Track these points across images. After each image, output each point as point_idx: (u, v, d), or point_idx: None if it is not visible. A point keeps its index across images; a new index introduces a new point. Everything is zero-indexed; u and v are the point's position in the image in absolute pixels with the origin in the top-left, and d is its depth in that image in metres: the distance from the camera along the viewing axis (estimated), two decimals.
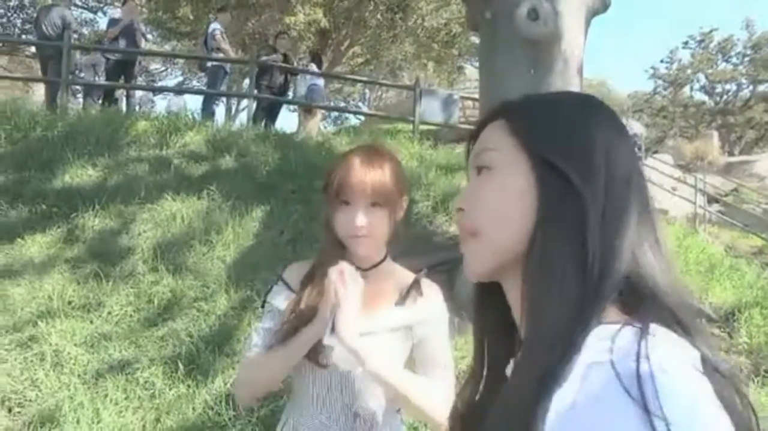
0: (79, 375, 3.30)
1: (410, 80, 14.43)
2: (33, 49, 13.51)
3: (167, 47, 20.57)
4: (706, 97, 30.06)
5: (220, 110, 14.81)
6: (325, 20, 14.09)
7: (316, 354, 1.30)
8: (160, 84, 24.40)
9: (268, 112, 9.67)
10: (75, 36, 9.39)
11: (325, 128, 18.60)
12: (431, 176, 6.18)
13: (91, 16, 21.13)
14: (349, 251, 1.33)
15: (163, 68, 25.98)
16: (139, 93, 12.80)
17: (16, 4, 19.48)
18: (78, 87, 11.38)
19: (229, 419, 3.04)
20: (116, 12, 13.32)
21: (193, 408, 3.11)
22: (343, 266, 1.26)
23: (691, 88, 30.41)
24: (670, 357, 0.52)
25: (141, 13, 13.15)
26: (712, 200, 12.64)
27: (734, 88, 29.00)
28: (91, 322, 3.78)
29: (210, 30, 9.31)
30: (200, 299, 4.04)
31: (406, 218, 1.40)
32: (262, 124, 8.79)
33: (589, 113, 0.69)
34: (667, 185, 11.79)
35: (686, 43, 29.66)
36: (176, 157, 6.13)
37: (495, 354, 0.75)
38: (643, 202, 0.65)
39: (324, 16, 14.00)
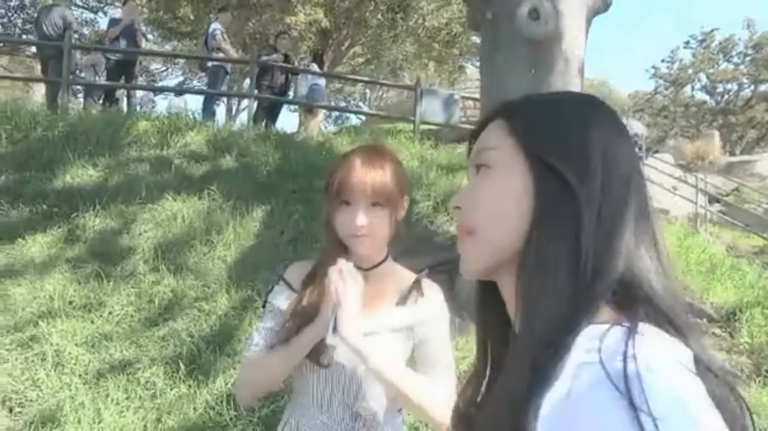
0: (80, 375, 3.31)
1: (411, 80, 14.42)
2: (33, 49, 13.53)
3: (168, 47, 20.58)
4: (707, 97, 30.07)
5: (220, 110, 14.84)
6: (326, 20, 14.10)
7: (317, 354, 1.29)
8: (160, 84, 24.43)
9: (268, 112, 9.67)
10: (75, 36, 9.39)
11: (325, 127, 18.60)
12: (432, 176, 6.18)
13: (91, 16, 21.15)
14: (350, 251, 1.33)
15: (164, 68, 25.99)
16: (139, 93, 12.81)
17: (17, 4, 19.48)
18: (79, 87, 11.37)
19: (231, 419, 3.04)
20: (117, 12, 13.34)
21: (194, 408, 3.11)
22: (343, 264, 1.26)
23: (693, 88, 30.42)
24: (657, 356, 0.52)
25: (141, 13, 13.16)
26: (713, 199, 12.63)
27: (735, 87, 29.01)
28: (92, 322, 3.78)
29: (210, 30, 9.31)
30: (201, 299, 4.05)
31: (407, 218, 1.40)
32: (263, 124, 8.78)
33: (588, 114, 0.69)
34: (668, 184, 11.78)
35: (687, 42, 29.68)
36: (177, 157, 6.13)
37: (497, 353, 0.75)
38: (641, 203, 0.65)
39: (325, 16, 14.01)
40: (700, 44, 29.12)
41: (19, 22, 19.59)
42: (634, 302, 0.59)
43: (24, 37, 18.21)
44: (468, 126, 10.73)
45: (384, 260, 1.39)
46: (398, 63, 18.77)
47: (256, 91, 9.42)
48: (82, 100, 10.53)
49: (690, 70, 29.54)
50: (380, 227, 1.31)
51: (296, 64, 11.91)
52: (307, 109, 11.18)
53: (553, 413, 0.53)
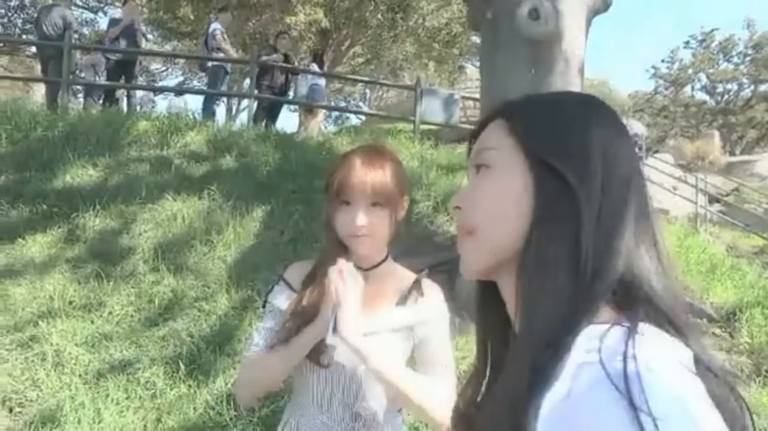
0: (80, 375, 3.31)
1: (411, 80, 14.43)
2: (34, 49, 13.52)
3: (168, 47, 20.58)
4: (707, 97, 30.07)
5: (220, 110, 14.84)
6: (326, 20, 14.10)
7: (317, 354, 1.30)
8: (160, 84, 24.43)
9: (268, 112, 9.67)
10: (75, 36, 9.39)
11: (325, 127, 18.61)
12: (432, 176, 6.18)
13: (91, 16, 21.15)
14: (350, 251, 1.33)
15: (164, 68, 26.00)
16: (139, 93, 12.81)
17: (17, 4, 19.48)
18: (79, 87, 11.37)
19: (231, 419, 3.04)
20: (117, 12, 13.35)
21: (194, 408, 3.11)
22: (343, 264, 1.26)
23: (692, 88, 30.43)
24: (657, 356, 0.52)
25: (141, 13, 13.16)
26: (713, 199, 12.63)
27: (735, 87, 29.01)
28: (92, 322, 3.78)
29: (210, 30, 9.31)
30: (201, 299, 4.05)
31: (407, 218, 1.40)
32: (263, 124, 8.78)
33: (588, 114, 0.69)
34: (668, 184, 11.78)
35: (687, 42, 29.69)
36: (177, 157, 6.13)
37: (497, 353, 0.75)
38: (641, 203, 0.65)
39: (325, 16, 14.01)
40: (700, 44, 29.13)
41: (19, 22, 19.59)
42: (634, 302, 0.60)
43: (24, 37, 18.21)
44: (468, 126, 10.73)
45: (384, 261, 1.39)
46: (398, 63, 18.77)
47: (256, 92, 9.42)
48: (82, 100, 10.52)
49: (690, 70, 29.55)
50: (380, 227, 1.31)
51: (296, 64, 11.91)
52: (307, 109, 11.18)
53: (553, 413, 0.53)
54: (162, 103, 23.21)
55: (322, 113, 13.42)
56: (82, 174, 5.51)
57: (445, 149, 7.99)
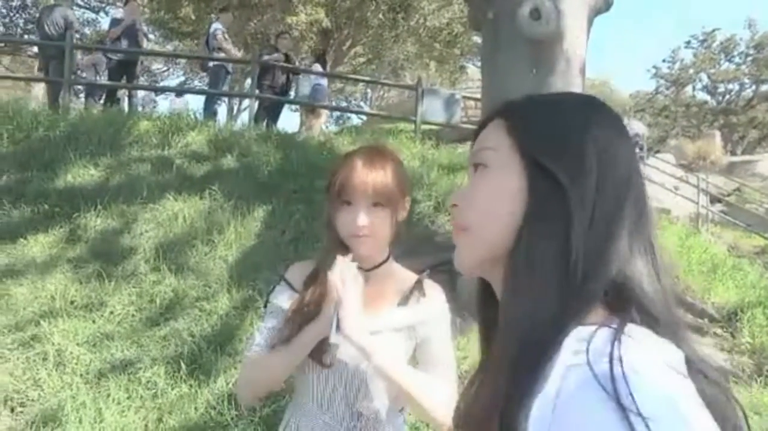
0: (81, 375, 3.31)
1: (412, 80, 14.42)
2: (35, 49, 13.52)
3: (169, 47, 20.61)
4: (708, 97, 30.05)
5: (222, 110, 14.84)
6: (327, 20, 14.10)
7: (319, 354, 1.30)
8: (162, 84, 24.45)
9: (269, 112, 9.67)
10: (77, 36, 9.40)
11: (327, 127, 18.61)
12: (433, 176, 6.18)
13: (93, 16, 21.20)
14: (351, 251, 1.33)
15: (165, 68, 26.03)
16: (141, 93, 12.82)
17: (19, 4, 19.51)
18: (80, 87, 11.39)
19: (232, 419, 3.04)
20: (118, 12, 13.35)
21: (196, 408, 3.11)
22: (344, 262, 1.26)
23: (694, 88, 30.40)
24: (643, 358, 0.52)
25: (143, 13, 13.16)
26: (714, 199, 12.62)
27: (737, 87, 28.98)
28: (94, 322, 3.78)
29: (211, 30, 9.31)
30: (202, 299, 4.05)
31: (408, 218, 1.40)
32: (264, 124, 8.79)
33: (587, 114, 0.69)
34: (669, 184, 11.77)
35: (689, 42, 29.65)
36: (178, 157, 6.14)
37: None
38: (639, 206, 0.65)
39: (326, 16, 14.01)
40: (701, 44, 29.10)
41: (21, 22, 19.62)
42: (625, 304, 0.60)
43: (26, 37, 18.23)
44: (469, 126, 10.74)
45: (385, 261, 1.40)
46: (399, 63, 18.77)
47: (257, 91, 9.43)
48: (83, 99, 10.53)
49: (691, 70, 29.52)
50: (381, 228, 1.31)
51: (297, 64, 11.92)
52: (310, 109, 11.18)
53: (543, 413, 0.53)
54: (163, 104, 23.24)
55: (325, 114, 13.43)
56: (83, 174, 5.51)
57: (446, 149, 7.99)
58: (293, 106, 16.73)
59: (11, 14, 19.69)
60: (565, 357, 0.55)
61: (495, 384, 0.61)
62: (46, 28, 8.47)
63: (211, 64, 9.49)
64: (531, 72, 3.87)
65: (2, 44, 18.61)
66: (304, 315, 1.32)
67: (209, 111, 9.34)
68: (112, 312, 3.88)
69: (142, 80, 15.74)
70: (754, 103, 27.77)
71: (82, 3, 19.92)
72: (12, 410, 3.10)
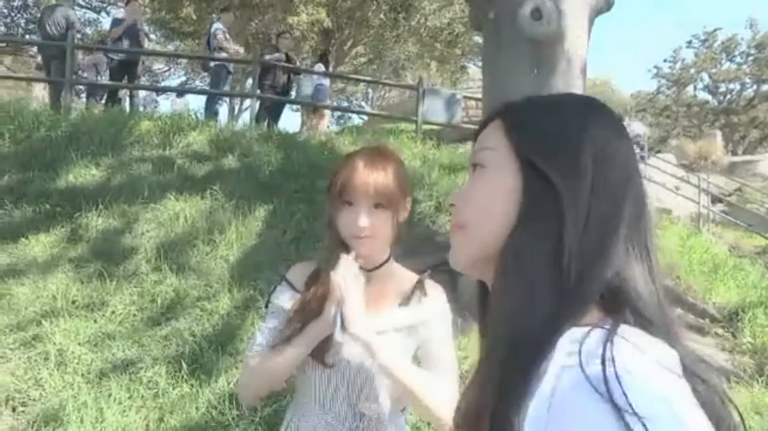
0: (82, 375, 3.31)
1: (413, 80, 14.42)
2: (35, 49, 13.52)
3: (170, 47, 20.61)
4: (709, 97, 30.02)
5: (223, 110, 14.83)
6: (328, 20, 14.11)
7: (321, 353, 1.30)
8: (163, 84, 24.45)
9: (271, 112, 9.67)
10: (78, 36, 9.40)
11: (328, 127, 18.63)
12: (434, 176, 6.18)
13: (94, 16, 21.20)
14: (353, 251, 1.33)
15: (166, 68, 26.02)
16: (142, 93, 12.82)
17: (20, 4, 19.53)
18: (81, 87, 11.40)
19: (233, 418, 3.04)
20: (119, 12, 13.34)
21: (197, 408, 3.11)
22: (347, 261, 1.27)
23: (695, 88, 30.37)
24: (635, 358, 0.53)
25: (144, 13, 13.18)
26: (715, 199, 12.61)
27: (738, 87, 28.94)
28: (95, 321, 3.79)
29: (212, 30, 9.32)
30: (203, 299, 4.05)
31: (409, 218, 1.40)
32: (265, 124, 8.79)
33: (585, 116, 0.69)
34: (670, 184, 11.76)
35: (690, 42, 29.63)
36: (179, 157, 6.14)
37: None
38: (637, 207, 0.65)
39: (327, 16, 14.02)
40: (702, 44, 29.07)
41: (23, 22, 19.63)
42: (620, 306, 0.60)
43: (27, 37, 18.24)
44: (470, 126, 10.73)
45: (386, 261, 1.40)
46: (400, 63, 18.78)
47: (258, 91, 9.43)
48: (85, 100, 10.54)
49: (692, 70, 29.49)
50: (382, 229, 1.32)
51: (298, 63, 11.92)
52: (312, 109, 11.18)
53: (539, 413, 0.53)
54: (165, 104, 23.24)
55: (328, 114, 13.43)
56: (84, 174, 5.52)
57: (447, 149, 7.99)
58: (294, 107, 16.74)
59: (12, 14, 19.71)
60: (559, 357, 0.55)
61: (485, 383, 0.61)
62: (48, 28, 8.48)
63: (212, 64, 9.50)
64: (532, 72, 3.86)
65: (4, 44, 18.63)
66: (306, 315, 1.32)
67: (210, 111, 9.35)
68: (113, 312, 3.88)
69: (144, 80, 15.75)
70: (755, 103, 27.73)
71: (83, 3, 19.94)
72: (13, 410, 3.11)
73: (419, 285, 1.41)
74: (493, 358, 0.61)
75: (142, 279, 4.22)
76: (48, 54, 8.75)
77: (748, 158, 19.40)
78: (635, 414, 0.48)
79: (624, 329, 0.56)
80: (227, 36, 9.28)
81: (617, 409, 0.48)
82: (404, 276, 1.43)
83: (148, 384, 3.26)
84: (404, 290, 1.40)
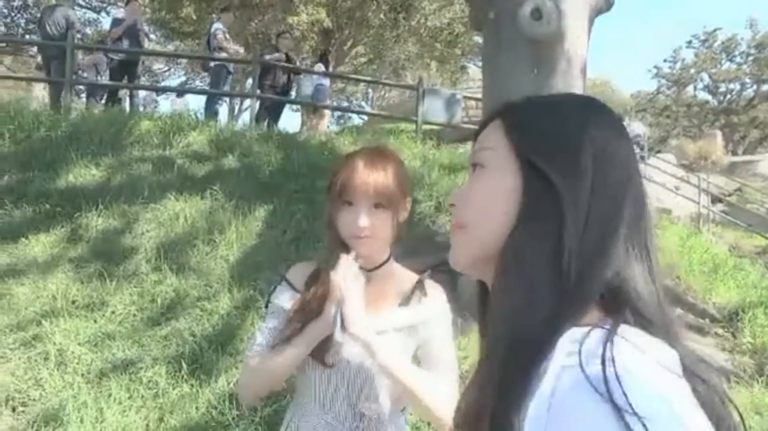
0: (82, 375, 3.31)
1: (413, 80, 14.42)
2: (35, 49, 13.51)
3: (170, 47, 20.60)
4: (709, 97, 30.01)
5: (223, 110, 14.85)
6: (328, 20, 14.10)
7: (321, 353, 1.30)
8: (163, 84, 24.45)
9: (271, 112, 9.67)
10: (78, 36, 9.40)
11: (328, 127, 18.63)
12: (434, 176, 6.18)
13: (94, 16, 21.19)
14: (353, 252, 1.33)
15: (166, 68, 26.01)
16: (142, 93, 12.82)
17: (20, 4, 19.52)
18: (81, 87, 11.40)
19: (233, 418, 3.04)
20: (119, 12, 13.35)
21: (197, 408, 3.11)
22: (347, 261, 1.27)
23: (695, 88, 30.37)
24: (635, 358, 0.53)
25: (144, 13, 13.17)
26: (715, 199, 12.61)
27: (738, 87, 28.94)
28: (95, 321, 3.79)
29: (212, 30, 9.32)
30: (203, 299, 4.05)
31: (409, 218, 1.40)
32: (265, 124, 8.79)
33: (585, 116, 0.70)
34: (670, 184, 11.77)
35: (690, 42, 29.62)
36: (179, 157, 6.14)
37: None
38: (637, 207, 0.65)
39: (327, 16, 14.01)
40: (702, 44, 29.06)
41: (23, 22, 19.63)
42: (620, 306, 0.60)
43: (27, 37, 18.24)
44: (470, 126, 10.73)
45: (386, 261, 1.40)
46: (400, 63, 18.78)
47: (258, 91, 9.43)
48: (84, 99, 10.54)
49: (692, 70, 29.48)
50: (382, 229, 1.32)
51: (298, 63, 11.92)
52: (313, 109, 11.18)
53: (539, 413, 0.53)
54: (164, 104, 23.24)
55: (328, 114, 13.44)
56: (84, 174, 5.52)
57: (447, 149, 7.99)
58: (294, 106, 16.74)
59: (13, 14, 19.70)
60: (559, 357, 0.55)
61: (485, 383, 0.61)
62: (48, 28, 8.47)
63: (212, 64, 9.50)
64: (532, 72, 3.86)
65: (4, 44, 18.63)
66: (306, 315, 1.32)
67: (210, 111, 9.35)
68: (113, 312, 3.88)
69: (144, 80, 15.76)
70: (755, 103, 27.73)
71: (83, 3, 19.93)
72: (13, 410, 3.11)
73: (419, 285, 1.41)
74: (493, 358, 0.61)
75: (142, 279, 4.22)
76: (48, 54, 8.75)
77: (748, 158, 19.40)
78: (635, 414, 0.48)
79: (624, 329, 0.56)
80: (227, 36, 9.28)
81: (617, 409, 0.48)
82: (404, 276, 1.43)
83: (148, 384, 3.26)
84: (404, 290, 1.40)
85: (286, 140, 7.29)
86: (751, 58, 28.06)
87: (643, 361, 0.53)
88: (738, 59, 28.63)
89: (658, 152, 18.09)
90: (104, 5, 20.77)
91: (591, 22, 4.14)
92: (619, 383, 0.49)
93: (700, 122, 28.60)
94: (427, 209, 5.58)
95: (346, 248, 1.33)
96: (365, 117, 19.75)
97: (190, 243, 4.68)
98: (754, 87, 28.32)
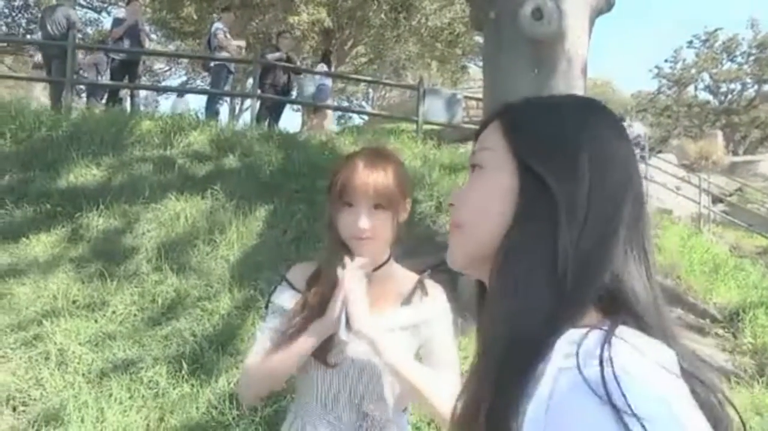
0: (83, 374, 3.32)
1: (414, 80, 14.42)
2: (34, 48, 13.51)
3: (171, 47, 20.62)
4: (710, 97, 29.98)
5: (224, 110, 14.86)
6: (329, 20, 14.12)
7: (323, 353, 1.30)
8: (164, 84, 24.45)
9: (271, 111, 9.67)
10: (79, 36, 9.40)
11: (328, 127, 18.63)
12: (435, 176, 6.18)
13: (95, 15, 21.20)
14: (353, 252, 1.34)
15: (167, 68, 26.01)
16: (143, 93, 12.82)
17: (21, 3, 19.52)
18: (82, 87, 11.40)
19: (233, 418, 3.04)
20: (120, 12, 13.36)
21: (197, 408, 3.11)
22: (353, 265, 1.28)
23: (696, 88, 30.34)
24: (634, 359, 0.53)
25: (145, 13, 13.18)
26: (716, 199, 12.60)
27: (739, 87, 28.91)
28: (96, 321, 3.79)
29: (213, 30, 9.32)
30: (204, 299, 4.05)
31: (410, 218, 1.40)
32: (266, 123, 8.79)
33: (584, 117, 0.70)
34: (671, 184, 11.76)
35: (691, 42, 29.59)
36: (180, 157, 6.15)
37: None
38: (636, 208, 0.65)
39: (328, 16, 14.03)
40: (703, 44, 29.04)
41: (24, 21, 19.64)
42: (618, 307, 0.60)
43: (28, 37, 18.24)
44: (471, 126, 10.74)
45: (386, 262, 1.40)
46: (401, 63, 18.80)
47: (259, 91, 9.43)
48: (85, 99, 10.55)
49: (693, 70, 29.46)
50: (383, 230, 1.32)
51: (299, 63, 11.92)
52: (313, 109, 11.18)
53: (537, 415, 0.53)
54: (165, 103, 23.24)
55: (331, 113, 13.44)
56: (85, 174, 5.52)
57: (447, 149, 7.99)
58: (295, 106, 16.75)
59: (13, 14, 19.71)
60: (557, 359, 0.55)
61: (482, 380, 0.62)
62: (49, 27, 8.48)
63: (212, 63, 9.50)
64: (533, 72, 3.86)
65: (5, 44, 18.63)
66: (308, 314, 1.32)
67: (211, 111, 9.35)
68: (114, 312, 3.89)
69: (145, 80, 15.76)
70: (756, 103, 27.71)
71: (84, 3, 19.93)
72: (14, 409, 3.11)
73: (420, 285, 1.41)
74: (490, 357, 0.61)
75: (143, 279, 4.22)
76: (49, 54, 8.75)
77: (748, 158, 19.39)
78: (634, 415, 0.48)
79: (622, 330, 0.56)
80: (228, 36, 9.28)
81: (616, 410, 0.48)
82: (404, 276, 1.44)
83: (148, 383, 3.27)
84: (405, 290, 1.40)
85: (287, 139, 7.29)
86: (752, 58, 28.04)
87: (642, 362, 0.53)
88: (739, 59, 28.64)
89: (659, 152, 18.07)
90: (105, 5, 20.77)
91: (592, 23, 4.14)
92: (618, 384, 0.49)
93: (701, 122, 28.57)
94: (427, 209, 5.58)
95: (347, 249, 1.33)
96: (366, 117, 19.75)
97: (191, 243, 4.68)
98: (755, 87, 28.31)
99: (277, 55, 9.58)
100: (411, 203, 1.41)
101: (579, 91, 3.85)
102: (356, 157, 1.34)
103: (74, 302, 3.96)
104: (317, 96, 10.28)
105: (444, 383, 1.31)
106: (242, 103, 20.23)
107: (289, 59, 9.78)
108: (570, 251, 0.61)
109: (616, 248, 0.62)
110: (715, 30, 28.61)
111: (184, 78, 26.29)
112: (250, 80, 11.49)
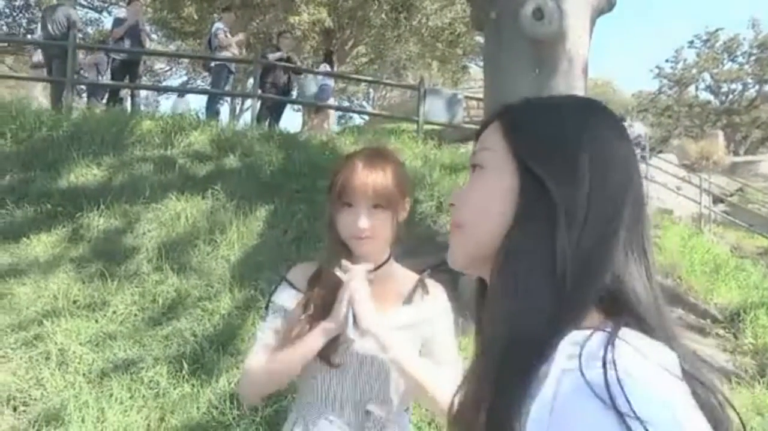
0: (84, 374, 3.32)
1: (414, 80, 14.41)
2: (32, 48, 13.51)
3: (172, 47, 20.63)
4: (711, 97, 29.98)
5: (224, 110, 14.90)
6: (330, 20, 14.13)
7: (327, 353, 1.30)
8: (164, 84, 24.45)
9: (272, 111, 9.67)
10: (80, 36, 9.40)
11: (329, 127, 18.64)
12: (435, 176, 6.18)
13: (96, 15, 21.21)
14: (353, 252, 1.34)
15: (168, 68, 26.01)
16: (144, 93, 12.82)
17: (22, 3, 19.53)
18: (83, 87, 11.41)
19: (234, 418, 3.04)
20: (121, 12, 13.37)
21: (198, 408, 3.11)
22: (359, 268, 1.29)
23: (697, 88, 30.35)
24: (637, 361, 0.53)
25: (146, 12, 13.19)
26: (717, 200, 12.60)
27: (740, 87, 28.91)
28: (96, 321, 3.79)
29: (214, 30, 9.33)
30: (204, 299, 4.05)
31: (410, 218, 1.40)
32: (267, 123, 8.79)
33: (584, 118, 0.70)
34: (672, 184, 11.75)
35: (692, 42, 29.60)
36: (181, 157, 6.15)
37: None
38: (636, 209, 0.65)
39: (328, 16, 14.04)
40: (704, 44, 29.04)
41: (24, 21, 19.64)
42: (620, 309, 0.60)
43: (29, 36, 18.24)
44: (471, 126, 10.74)
45: (386, 262, 1.40)
46: (402, 63, 18.80)
47: (259, 91, 9.43)
48: (86, 99, 10.55)
49: (694, 70, 29.46)
50: (382, 229, 1.32)
51: (299, 63, 11.93)
52: (316, 109, 11.19)
53: (541, 415, 0.53)
54: (166, 103, 23.25)
55: (333, 113, 13.45)
56: (86, 174, 5.52)
57: (448, 149, 7.99)
58: (295, 106, 16.76)
59: (14, 14, 19.72)
60: (560, 360, 0.55)
61: (481, 379, 0.62)
62: (49, 27, 8.48)
63: (213, 63, 9.50)
64: (533, 72, 3.86)
65: (5, 44, 18.64)
66: (312, 314, 1.33)
67: (212, 111, 9.35)
68: (114, 312, 3.89)
69: (145, 80, 15.77)
70: (757, 104, 27.71)
71: (85, 2, 19.93)
72: (15, 409, 3.11)
73: (420, 284, 1.42)
74: (489, 356, 0.62)
75: (144, 279, 4.22)
76: (49, 53, 8.75)
77: (749, 158, 19.40)
78: (637, 418, 0.48)
79: (625, 332, 0.56)
80: (228, 36, 9.28)
81: (619, 413, 0.48)
82: (405, 276, 1.44)
83: (149, 383, 3.26)
84: (405, 290, 1.41)
85: (288, 139, 7.29)
86: (753, 58, 28.05)
87: (645, 365, 0.53)
88: (740, 59, 28.65)
89: (660, 152, 18.07)
90: (106, 5, 20.77)
91: (593, 22, 4.13)
92: (621, 387, 0.49)
93: (702, 122, 28.57)
94: (428, 209, 5.58)
95: (347, 249, 1.34)
96: (366, 117, 19.74)
97: (192, 243, 4.68)
98: (756, 87, 28.31)
99: (277, 55, 9.58)
100: (411, 202, 1.41)
101: (580, 91, 3.85)
102: (355, 157, 1.34)
103: (75, 302, 3.96)
104: (319, 96, 10.29)
105: (448, 380, 1.31)
106: (243, 104, 20.24)
107: (289, 59, 9.79)
108: (569, 251, 0.61)
109: (616, 249, 0.62)
110: (716, 30, 28.65)
111: (185, 78, 26.31)
112: (251, 80, 11.50)
